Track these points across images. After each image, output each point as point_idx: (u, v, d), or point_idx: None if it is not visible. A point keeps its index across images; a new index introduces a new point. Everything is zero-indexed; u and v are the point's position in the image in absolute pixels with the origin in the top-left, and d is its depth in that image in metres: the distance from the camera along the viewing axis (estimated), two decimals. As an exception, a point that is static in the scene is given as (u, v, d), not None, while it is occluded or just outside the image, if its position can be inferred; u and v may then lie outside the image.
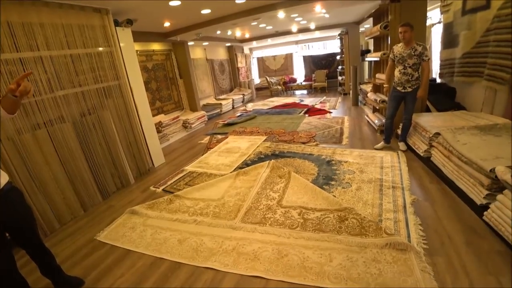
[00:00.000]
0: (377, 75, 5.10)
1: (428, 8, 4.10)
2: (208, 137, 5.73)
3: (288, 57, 11.94)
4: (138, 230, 2.61)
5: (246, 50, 11.70)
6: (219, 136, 5.65)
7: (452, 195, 2.60)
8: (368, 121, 5.39)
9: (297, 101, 8.82)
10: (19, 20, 2.67)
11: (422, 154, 3.34)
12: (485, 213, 2.12)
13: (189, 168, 4.06)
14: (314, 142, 4.56)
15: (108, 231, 2.69)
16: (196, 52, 8.01)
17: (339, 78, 9.89)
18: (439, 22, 4.56)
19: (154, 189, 3.54)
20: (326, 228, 2.22)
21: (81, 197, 3.17)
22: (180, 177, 3.75)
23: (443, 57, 4.42)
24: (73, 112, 3.16)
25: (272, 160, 3.77)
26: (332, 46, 11.58)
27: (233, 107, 9.07)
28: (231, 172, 3.61)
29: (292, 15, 6.02)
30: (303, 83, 11.28)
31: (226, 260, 2.03)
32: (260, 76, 12.48)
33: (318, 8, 4.98)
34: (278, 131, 5.42)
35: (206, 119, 7.19)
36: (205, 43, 8.28)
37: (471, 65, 3.72)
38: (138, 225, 2.69)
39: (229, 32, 7.58)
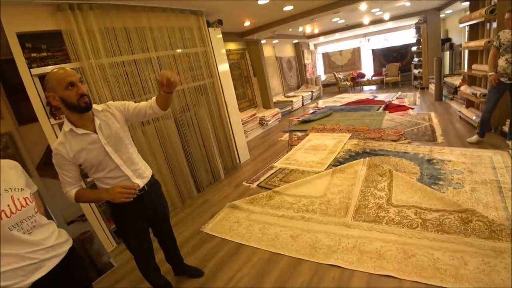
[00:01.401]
0: (474, 66, 4.60)
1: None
2: (286, 134, 5.86)
3: (356, 51, 11.45)
4: (244, 224, 2.75)
5: (311, 46, 11.59)
6: (299, 133, 5.74)
7: None
8: (460, 117, 4.92)
9: (370, 97, 8.42)
10: (133, 25, 2.99)
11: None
12: None
13: (279, 164, 4.20)
14: (405, 139, 4.32)
15: (212, 224, 2.88)
16: (266, 50, 8.23)
17: (415, 71, 9.14)
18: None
19: (247, 184, 3.74)
20: (449, 230, 2.12)
21: (180, 190, 3.47)
22: (272, 174, 3.91)
23: None
24: (175, 108, 3.47)
25: (367, 158, 3.71)
26: (404, 37, 10.75)
27: (302, 104, 9.10)
28: (325, 170, 3.65)
29: (373, 10, 5.79)
30: (374, 78, 10.69)
31: (350, 257, 2.06)
32: (325, 72, 12.24)
33: (405, -2, 4.71)
34: (361, 128, 5.27)
35: (280, 116, 7.36)
36: (275, 41, 8.44)
37: None
38: (243, 220, 2.83)
39: (300, 29, 7.62)
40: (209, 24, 4.04)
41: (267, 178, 3.81)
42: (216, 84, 4.06)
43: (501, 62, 3.28)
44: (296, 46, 10.25)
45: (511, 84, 3.25)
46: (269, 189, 3.40)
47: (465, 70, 5.00)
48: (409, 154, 3.72)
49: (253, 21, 5.39)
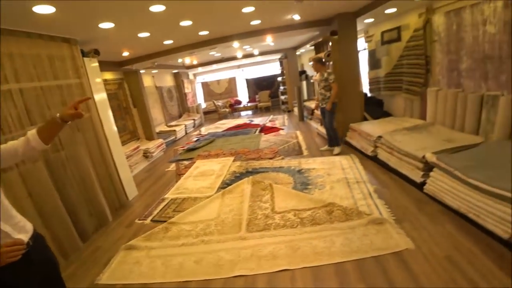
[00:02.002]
0: (321, 93, 6.06)
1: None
2: (173, 164, 5.87)
3: (232, 81, 12.71)
4: (145, 263, 2.62)
5: (191, 76, 12.08)
6: (186, 162, 5.85)
7: (400, 180, 3.47)
8: (318, 133, 6.26)
9: (248, 122, 9.47)
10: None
11: (370, 154, 4.19)
12: (424, 187, 2.97)
13: (170, 195, 4.19)
14: (279, 156, 5.15)
15: (109, 271, 2.58)
16: (146, 80, 8.10)
17: (282, 97, 10.97)
18: (365, 49, 5.75)
19: (140, 221, 3.55)
20: (320, 221, 2.76)
21: (61, 244, 2.91)
22: (165, 206, 3.87)
23: (371, 76, 5.58)
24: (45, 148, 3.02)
25: (250, 176, 4.21)
26: (272, 68, 12.77)
27: (186, 133, 9.26)
28: (215, 193, 3.92)
29: (244, 46, 6.74)
30: (249, 104, 12.11)
31: (250, 265, 2.35)
32: (205, 100, 12.91)
33: (269, 39, 5.75)
34: (242, 150, 5.87)
35: (165, 146, 7.27)
36: (154, 71, 8.44)
37: (392, 82, 4.85)
38: (143, 258, 2.68)
39: (180, 60, 7.92)
40: (83, 54, 3.78)
41: (160, 211, 3.75)
42: (94, 118, 3.77)
43: (317, 93, 4.63)
44: (176, 76, 10.50)
45: (323, 108, 4.74)
46: (164, 221, 3.34)
47: (317, 96, 6.44)
48: (283, 168, 4.47)
49: (132, 51, 5.33)
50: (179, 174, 5.15)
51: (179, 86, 10.59)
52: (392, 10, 4.29)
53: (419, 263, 2.08)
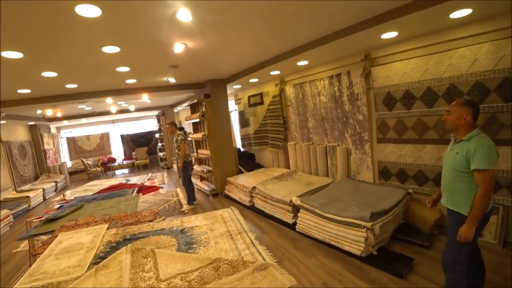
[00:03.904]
0: (199, 151, 6.32)
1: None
2: (26, 242, 4.64)
3: (105, 136, 11.53)
4: None
5: (53, 130, 10.29)
6: (44, 237, 4.72)
7: (275, 224, 3.91)
8: (198, 189, 6.34)
9: (124, 182, 8.62)
10: None
11: (248, 204, 4.57)
12: (296, 227, 3.47)
13: (20, 286, 3.25)
14: (160, 217, 4.84)
15: None
16: (-16, 133, 6.41)
17: (160, 154, 10.68)
18: (235, 110, 6.53)
19: None
20: (209, 280, 2.71)
21: None
22: (12, 302, 2.99)
23: (242, 133, 6.37)
24: None
25: (128, 244, 3.78)
26: (149, 124, 12.42)
27: (44, 199, 7.56)
28: (86, 272, 3.30)
29: (119, 102, 6.42)
30: (125, 162, 11.14)
31: None
32: (71, 158, 11.09)
33: (145, 97, 5.73)
34: (118, 215, 5.23)
35: (12, 219, 5.70)
36: (2, 122, 6.78)
37: (260, 138, 5.67)
38: None
39: (39, 111, 6.74)
40: None
41: (3, 311, 2.85)
42: None
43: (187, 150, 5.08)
44: (33, 129, 8.70)
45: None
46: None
47: (195, 154, 6.63)
48: (165, 229, 4.23)
49: None
50: (34, 255, 4.06)
51: (36, 141, 8.76)
52: (255, 79, 5.20)
53: (302, 296, 2.37)
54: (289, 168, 5.04)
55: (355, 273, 2.64)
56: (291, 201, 3.54)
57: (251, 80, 5.21)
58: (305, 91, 4.58)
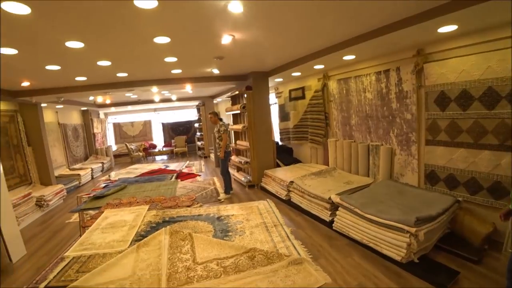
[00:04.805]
0: (238, 142, 6.41)
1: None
2: (76, 215, 5.09)
3: (147, 124, 12.18)
4: None
5: (102, 115, 11.11)
6: (92, 212, 5.15)
7: (311, 220, 3.87)
8: (234, 179, 6.45)
9: (163, 167, 9.05)
10: None
11: (284, 198, 4.55)
12: (333, 224, 3.38)
13: (72, 253, 3.57)
14: (197, 203, 5.03)
15: None
16: (47, 115, 7.08)
17: (198, 143, 11.02)
18: (275, 103, 6.51)
19: None
20: (243, 268, 2.77)
21: None
22: (65, 266, 3.26)
23: (281, 127, 6.32)
24: None
25: (167, 226, 3.97)
26: (189, 114, 12.85)
27: (92, 178, 8.22)
28: (129, 247, 3.54)
29: (163, 91, 6.72)
30: (164, 149, 11.67)
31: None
32: (116, 143, 11.90)
33: (188, 88, 5.93)
34: (158, 198, 5.53)
35: (66, 193, 6.27)
36: (59, 106, 7.47)
37: (299, 133, 5.57)
38: None
39: (91, 98, 7.30)
40: None
41: (58, 273, 3.12)
42: None
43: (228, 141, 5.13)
44: (85, 114, 9.52)
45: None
46: (64, 286, 2.82)
47: (233, 145, 6.74)
48: (202, 215, 4.38)
49: (34, 83, 4.69)
50: (83, 227, 4.46)
51: (87, 125, 9.58)
52: (298, 73, 5.13)
53: (336, 295, 2.33)
54: (328, 165, 4.93)
55: (392, 278, 2.53)
56: (329, 198, 3.47)
57: (294, 74, 5.15)
58: (350, 87, 4.42)
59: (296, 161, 5.86)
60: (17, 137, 5.81)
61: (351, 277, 2.58)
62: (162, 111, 12.73)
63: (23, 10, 1.99)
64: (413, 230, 2.51)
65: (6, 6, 1.91)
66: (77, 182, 7.20)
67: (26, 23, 2.24)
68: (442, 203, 2.98)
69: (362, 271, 2.66)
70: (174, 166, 9.19)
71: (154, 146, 11.87)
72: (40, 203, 5.37)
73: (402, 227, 2.59)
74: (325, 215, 3.59)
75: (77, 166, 8.46)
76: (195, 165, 9.00)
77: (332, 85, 4.76)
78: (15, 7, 1.94)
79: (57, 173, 7.16)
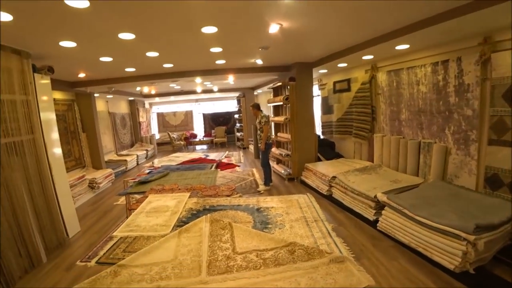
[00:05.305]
0: (279, 134, 6.34)
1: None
2: (123, 198, 5.44)
3: (188, 114, 12.64)
4: None
5: (147, 105, 11.75)
6: (137, 196, 5.46)
7: (353, 218, 3.70)
8: (274, 171, 6.41)
9: (203, 156, 9.31)
10: None
11: (325, 193, 4.41)
12: (377, 224, 3.20)
13: (119, 233, 3.82)
14: (237, 194, 5.08)
15: None
16: (99, 104, 7.63)
17: (238, 134, 11.17)
18: (318, 95, 6.31)
19: (83, 263, 3.13)
20: (283, 262, 2.74)
21: None
22: (113, 245, 3.50)
23: (323, 120, 6.09)
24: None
25: (208, 214, 4.07)
26: (229, 105, 13.06)
27: (137, 163, 8.74)
28: (171, 232, 3.68)
29: (205, 82, 6.87)
30: (204, 139, 12.03)
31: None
32: (159, 131, 12.52)
33: (231, 79, 5.98)
34: (198, 186, 5.69)
35: (114, 177, 6.74)
36: (109, 96, 8.03)
37: (343, 126, 5.33)
38: None
39: (138, 88, 7.72)
40: (35, 69, 3.43)
41: (107, 251, 3.36)
42: (38, 141, 3.34)
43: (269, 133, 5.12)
44: (132, 103, 10.13)
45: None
46: (113, 264, 3.00)
47: (274, 137, 6.69)
48: (242, 206, 4.42)
49: (89, 74, 5.07)
50: (129, 209, 4.75)
51: (133, 114, 10.20)
52: (344, 64, 4.88)
53: (380, 299, 2.20)
54: (373, 161, 4.67)
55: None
56: (375, 196, 3.28)
57: (340, 65, 4.91)
58: (401, 79, 4.11)
59: (338, 155, 5.65)
60: (74, 124, 6.34)
61: (396, 281, 2.41)
62: (203, 102, 13.08)
63: (83, 3, 2.10)
64: (471, 238, 2.27)
65: (68, 1, 2.03)
66: (124, 167, 7.70)
67: (84, 16, 2.37)
68: (506, 210, 2.66)
69: (408, 276, 2.47)
70: (213, 156, 9.41)
71: (195, 136, 12.28)
72: (92, 185, 5.83)
73: (459, 233, 2.34)
74: (369, 214, 3.41)
75: (124, 152, 9.04)
76: (234, 156, 9.14)
77: (381, 77, 4.46)
78: (76, 1, 2.04)
79: (106, 158, 7.71)
